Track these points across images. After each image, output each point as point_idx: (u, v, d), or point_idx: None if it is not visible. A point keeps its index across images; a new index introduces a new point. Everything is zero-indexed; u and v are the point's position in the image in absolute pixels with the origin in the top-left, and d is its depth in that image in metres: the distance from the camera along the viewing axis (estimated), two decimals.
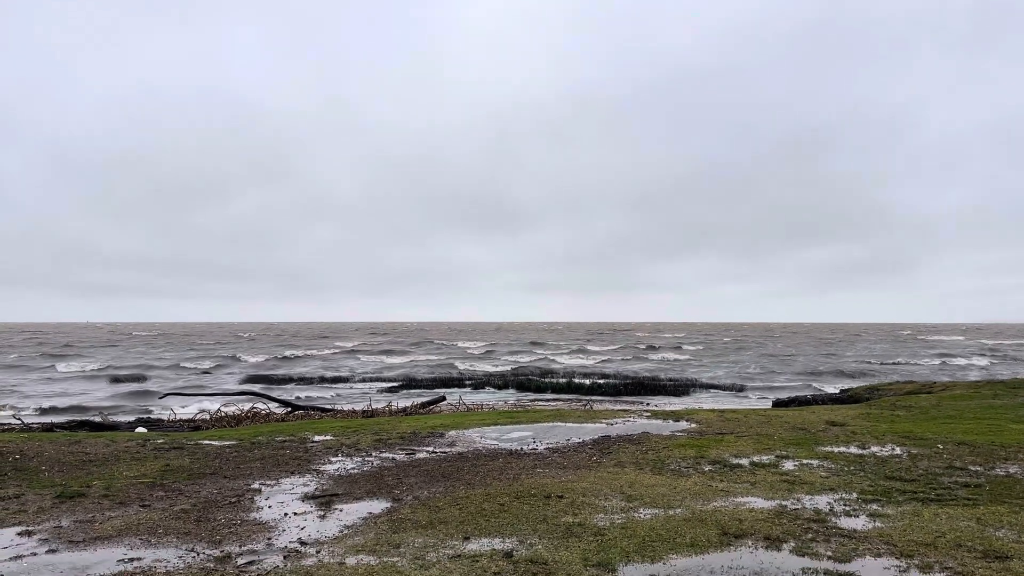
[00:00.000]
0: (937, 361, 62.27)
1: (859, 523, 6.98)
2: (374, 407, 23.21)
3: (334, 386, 41.84)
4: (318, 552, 6.25)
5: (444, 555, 6.08)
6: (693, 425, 14.18)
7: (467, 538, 6.58)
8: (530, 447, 11.83)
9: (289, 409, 23.37)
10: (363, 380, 44.63)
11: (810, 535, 6.56)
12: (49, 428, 18.41)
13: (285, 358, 66.01)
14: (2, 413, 27.14)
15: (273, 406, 23.89)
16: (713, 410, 17.97)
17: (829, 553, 6.05)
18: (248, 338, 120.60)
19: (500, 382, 40.36)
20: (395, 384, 41.23)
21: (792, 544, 6.30)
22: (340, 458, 10.94)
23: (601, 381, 39.60)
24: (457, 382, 41.09)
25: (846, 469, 9.58)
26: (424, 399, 26.11)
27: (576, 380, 40.21)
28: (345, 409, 23.84)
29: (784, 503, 7.77)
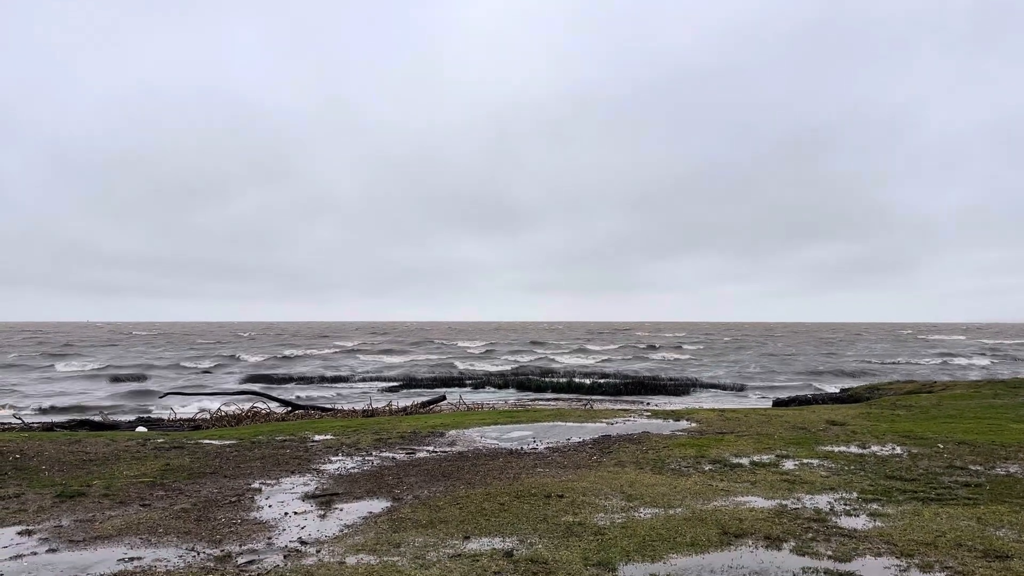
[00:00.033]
0: (937, 361, 62.27)
1: (859, 522, 6.98)
2: (374, 406, 23.21)
3: (334, 385, 41.85)
4: (318, 551, 6.25)
5: (444, 554, 6.08)
6: (693, 424, 14.18)
7: (467, 537, 6.58)
8: (530, 446, 11.83)
9: (289, 408, 23.38)
10: (363, 380, 44.64)
11: (810, 534, 6.56)
12: (49, 427, 18.41)
13: (285, 357, 66.01)
14: (2, 412, 27.14)
15: (273, 405, 23.90)
16: (713, 409, 17.96)
17: (829, 552, 6.04)
18: (248, 338, 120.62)
19: (500, 381, 40.37)
20: (395, 384, 41.24)
21: (792, 543, 6.29)
22: (340, 457, 10.94)
23: (601, 381, 39.60)
24: (457, 381, 41.10)
25: (846, 468, 9.58)
26: (424, 399, 26.11)
27: (576, 380, 40.21)
28: (345, 409, 23.84)
29: (784, 502, 7.77)
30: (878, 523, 6.93)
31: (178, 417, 21.75)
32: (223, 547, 6.39)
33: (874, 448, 11.16)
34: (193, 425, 19.60)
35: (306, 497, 8.36)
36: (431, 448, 11.73)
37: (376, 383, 42.27)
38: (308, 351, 75.71)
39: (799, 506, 7.61)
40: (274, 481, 9.28)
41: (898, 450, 10.94)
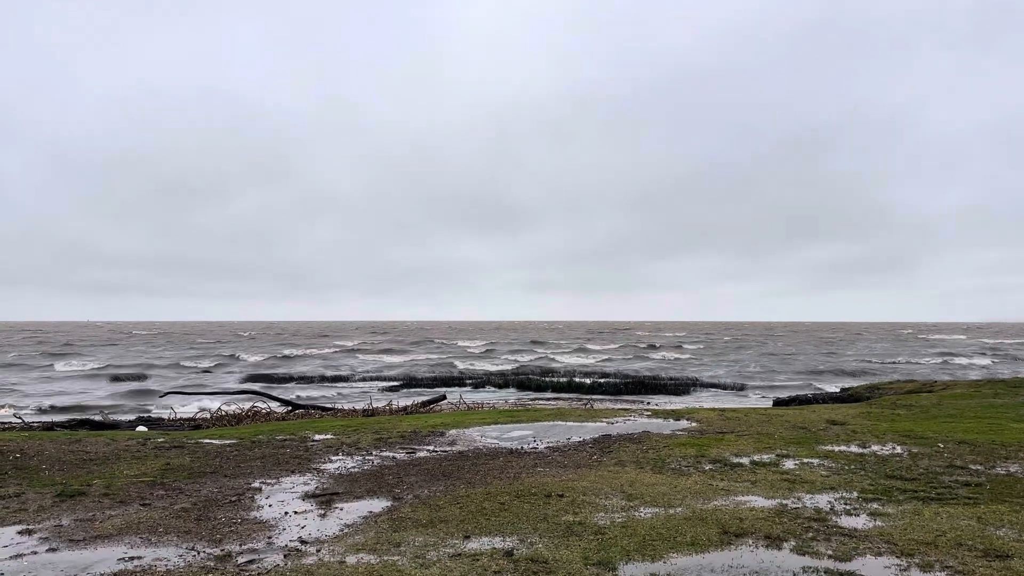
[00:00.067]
0: (938, 360, 62.26)
1: (860, 522, 6.97)
2: (375, 406, 23.21)
3: (334, 385, 41.86)
4: (318, 551, 6.24)
5: (445, 554, 6.08)
6: (694, 424, 14.17)
7: (468, 537, 6.58)
8: (530, 446, 11.83)
9: (289, 408, 23.38)
10: (363, 379, 44.64)
11: (811, 534, 6.56)
12: (49, 427, 18.42)
13: (285, 357, 66.02)
14: (2, 412, 27.14)
15: (273, 405, 23.90)
16: (714, 409, 17.96)
17: (830, 552, 6.04)
18: (248, 337, 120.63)
19: (500, 381, 40.37)
20: (395, 383, 41.25)
21: (793, 543, 6.29)
22: (341, 457, 10.94)
23: (602, 380, 39.60)
24: (457, 381, 41.10)
25: (847, 468, 9.58)
26: (424, 398, 26.11)
27: (577, 379, 40.22)
28: (345, 408, 23.85)
29: (785, 502, 7.77)
30: (878, 522, 6.93)
31: (178, 416, 21.75)
32: (223, 546, 6.39)
33: (874, 447, 11.16)
34: (193, 424, 19.60)
35: (306, 496, 8.36)
36: (431, 447, 11.73)
37: (376, 383, 42.27)
38: (308, 351, 75.72)
39: (799, 505, 7.61)
40: (274, 480, 9.28)
41: (898, 449, 10.94)
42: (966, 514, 7.16)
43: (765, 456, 10.46)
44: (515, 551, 6.10)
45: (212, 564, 5.89)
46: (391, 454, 11.13)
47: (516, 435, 13.06)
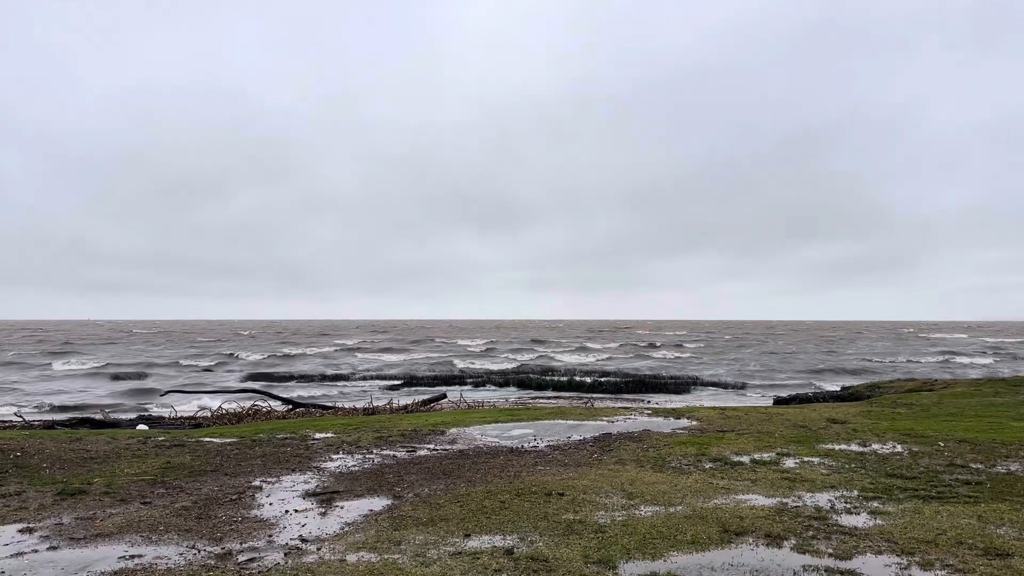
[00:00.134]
0: (939, 359, 62.26)
1: (860, 520, 6.97)
2: (375, 405, 23.22)
3: (335, 384, 41.87)
4: (319, 549, 6.25)
5: (445, 552, 6.08)
6: (694, 423, 14.17)
7: (468, 535, 6.58)
8: (531, 444, 11.83)
9: (290, 407, 23.38)
10: (364, 378, 44.65)
11: (811, 532, 6.56)
12: (50, 425, 18.43)
13: (286, 356, 66.04)
14: (3, 410, 27.16)
15: (274, 404, 23.91)
16: (714, 408, 17.96)
17: (830, 550, 6.04)
18: (248, 336, 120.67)
19: (501, 380, 40.39)
20: (396, 382, 41.27)
21: (793, 541, 6.29)
22: (341, 455, 10.94)
23: (602, 379, 39.62)
24: (458, 380, 41.11)
25: (847, 467, 9.58)
26: (425, 397, 26.11)
27: (577, 378, 40.24)
28: (346, 407, 23.86)
29: (785, 500, 7.77)
30: (879, 521, 6.93)
31: (179, 415, 21.76)
32: (224, 545, 6.39)
33: (875, 446, 11.16)
34: (194, 423, 19.61)
35: (307, 495, 8.36)
36: (432, 446, 11.73)
37: (377, 381, 42.29)
38: (308, 349, 75.74)
39: (800, 504, 7.61)
40: (275, 479, 9.29)
41: (899, 448, 10.94)
42: (966, 513, 7.16)
43: (765, 454, 10.46)
44: (515, 549, 6.10)
45: (213, 562, 5.90)
46: (392, 452, 11.13)
47: (516, 434, 13.06)
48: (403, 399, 26.04)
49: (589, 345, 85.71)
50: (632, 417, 15.33)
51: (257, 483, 9.02)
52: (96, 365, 54.24)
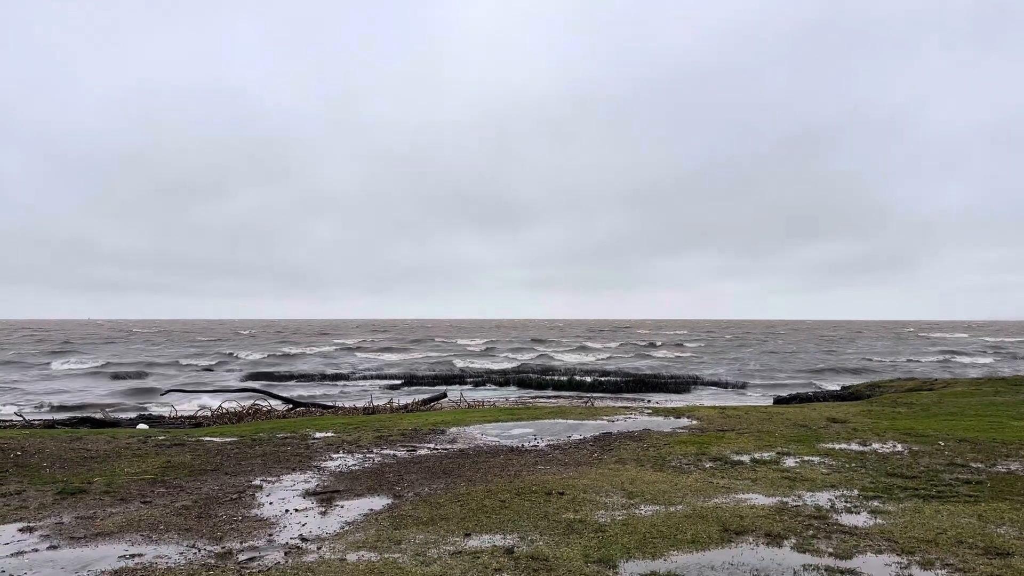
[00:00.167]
0: (939, 358, 62.26)
1: (860, 520, 6.98)
2: (375, 404, 23.23)
3: (335, 383, 41.88)
4: (319, 548, 6.25)
5: (445, 551, 6.08)
6: (694, 422, 14.18)
7: (468, 534, 6.58)
8: (531, 444, 11.83)
9: (290, 406, 23.39)
10: (364, 377, 44.65)
11: (811, 532, 6.56)
12: (50, 425, 18.43)
13: (286, 355, 66.06)
14: (3, 410, 27.18)
15: (274, 403, 23.92)
16: (714, 407, 17.96)
17: (830, 550, 6.04)
18: (248, 335, 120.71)
19: (501, 379, 40.40)
20: (396, 381, 41.28)
21: (793, 541, 6.29)
22: (341, 455, 10.94)
23: (602, 378, 39.62)
24: (458, 379, 41.12)
25: (847, 466, 9.58)
26: (425, 396, 26.13)
27: (577, 377, 40.24)
28: (346, 406, 23.86)
29: (785, 500, 7.77)
30: (879, 520, 6.93)
31: (179, 414, 21.77)
32: (224, 544, 6.40)
33: (875, 445, 11.16)
34: (194, 422, 19.62)
35: (307, 494, 8.36)
36: (432, 445, 11.74)
37: (377, 381, 42.30)
38: (309, 349, 75.76)
39: (800, 503, 7.62)
40: (275, 478, 9.29)
41: (899, 447, 10.94)
42: (967, 512, 7.16)
43: (766, 454, 10.46)
44: (516, 549, 6.10)
45: (213, 561, 5.90)
46: (392, 452, 11.14)
47: (517, 433, 13.06)
48: (403, 398, 26.05)
49: (589, 344, 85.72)
50: (632, 416, 15.33)
51: (257, 482, 9.02)
52: (96, 364, 54.25)
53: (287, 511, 7.59)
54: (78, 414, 22.41)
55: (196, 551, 6.19)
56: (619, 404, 24.60)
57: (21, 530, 6.87)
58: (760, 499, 7.82)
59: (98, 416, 20.29)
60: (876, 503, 7.59)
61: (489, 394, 34.19)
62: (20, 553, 6.18)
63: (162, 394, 29.43)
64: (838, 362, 56.99)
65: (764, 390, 36.87)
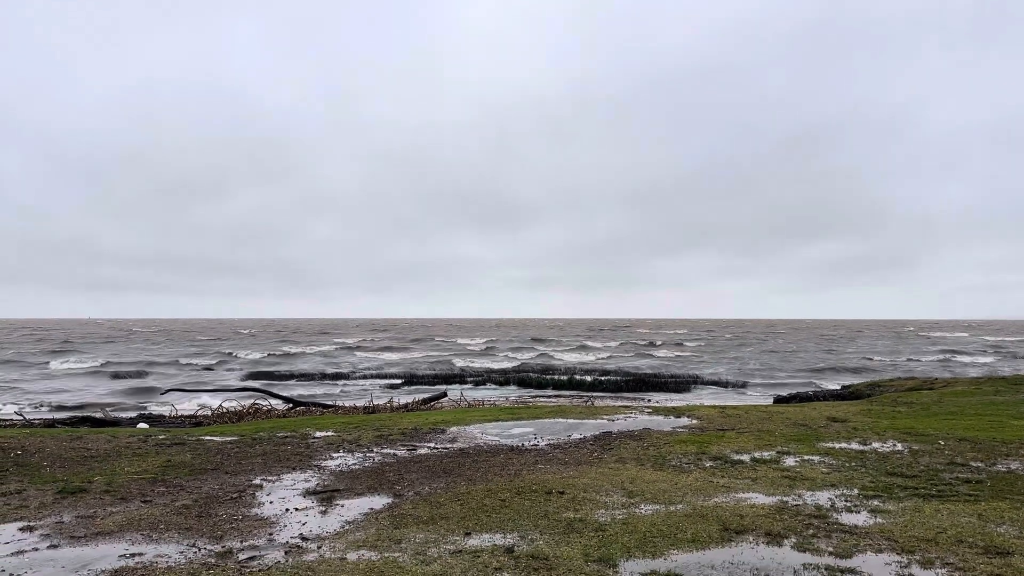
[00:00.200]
0: (939, 357, 62.24)
1: (860, 519, 6.98)
2: (375, 403, 23.23)
3: (335, 382, 41.87)
4: (319, 547, 6.25)
5: (445, 550, 6.08)
6: (694, 421, 14.18)
7: (468, 534, 6.58)
8: (531, 443, 11.83)
9: (290, 405, 23.39)
10: (364, 376, 44.64)
11: (811, 531, 6.56)
12: (50, 424, 18.43)
13: (286, 354, 66.06)
14: (3, 409, 27.18)
15: (274, 402, 23.92)
16: (714, 406, 17.97)
17: (830, 549, 6.04)
18: (248, 334, 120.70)
19: (501, 378, 40.39)
20: (396, 380, 41.26)
21: (793, 540, 6.29)
22: (341, 454, 10.95)
23: (602, 377, 39.61)
24: (458, 378, 41.11)
25: (847, 465, 9.58)
26: (425, 395, 26.13)
27: (577, 376, 40.22)
28: (346, 405, 23.86)
29: (785, 499, 7.77)
30: (879, 519, 6.93)
31: (179, 414, 21.78)
32: (224, 543, 6.40)
33: (875, 445, 11.16)
34: (194, 422, 19.63)
35: (307, 493, 8.36)
36: (432, 444, 11.74)
37: (377, 380, 42.29)
38: (309, 348, 75.75)
39: (800, 502, 7.62)
40: (275, 477, 9.29)
41: (899, 447, 10.94)
42: (967, 511, 7.16)
43: (766, 453, 10.46)
44: (516, 548, 6.11)
45: (213, 561, 5.90)
46: (392, 451, 11.14)
47: (517, 432, 13.06)
48: (403, 398, 26.06)
49: (589, 344, 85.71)
50: (632, 416, 15.34)
51: (257, 481, 9.02)
52: (96, 364, 54.23)
53: (287, 510, 7.59)
54: (78, 413, 22.42)
55: (196, 550, 6.19)
56: (619, 403, 24.60)
57: (21, 529, 6.88)
58: (760, 498, 7.82)
59: (98, 415, 20.30)
60: (876, 502, 7.59)
61: (489, 393, 34.18)
62: (20, 552, 6.19)
63: (162, 393, 29.42)
64: (838, 361, 56.98)
65: (764, 389, 36.87)
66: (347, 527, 6.92)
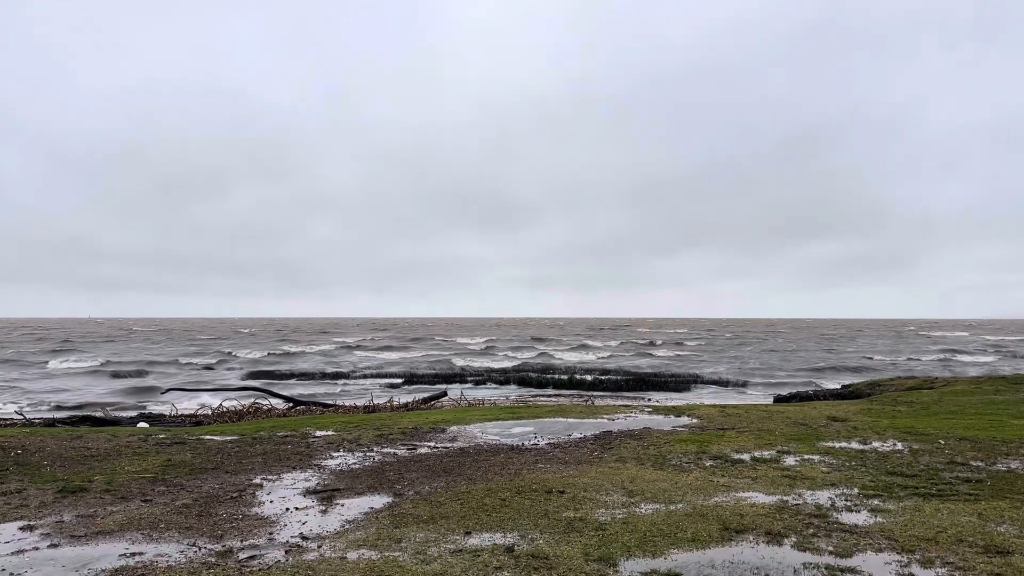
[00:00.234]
0: (939, 357, 62.23)
1: (860, 518, 6.98)
2: (375, 403, 23.23)
3: (335, 382, 41.87)
4: (319, 547, 6.25)
5: (445, 550, 6.09)
6: (694, 420, 14.18)
7: (468, 533, 6.59)
8: (531, 442, 11.83)
9: (291, 404, 23.40)
10: (364, 376, 44.63)
11: (811, 530, 6.56)
12: (51, 423, 18.43)
13: (286, 353, 66.05)
14: (3, 408, 27.18)
15: (275, 401, 23.92)
16: (714, 405, 17.97)
17: (830, 548, 6.04)
18: (248, 334, 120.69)
19: (501, 378, 40.39)
20: (396, 380, 41.26)
21: (793, 539, 6.29)
22: (341, 453, 10.95)
23: (603, 377, 39.61)
24: (458, 378, 41.11)
25: (847, 464, 9.58)
26: (425, 395, 26.13)
27: (577, 376, 40.21)
28: (347, 404, 23.87)
29: (785, 498, 7.77)
30: (879, 519, 6.93)
31: (179, 413, 21.78)
32: (224, 542, 6.40)
33: (875, 444, 11.16)
34: (194, 421, 19.63)
35: (307, 493, 8.36)
36: (432, 444, 11.74)
37: (377, 379, 42.28)
38: (309, 347, 75.73)
39: (800, 502, 7.62)
40: (275, 477, 9.29)
41: (899, 446, 10.94)
42: (967, 510, 7.16)
43: (766, 452, 10.46)
44: (516, 547, 6.11)
45: (213, 560, 5.90)
46: (392, 450, 11.14)
47: (517, 431, 13.07)
48: (404, 397, 26.06)
49: (589, 343, 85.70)
50: (633, 415, 15.34)
51: (258, 481, 9.03)
52: (96, 363, 54.22)
53: (287, 509, 7.59)
54: (78, 412, 22.42)
55: (197, 549, 6.19)
56: (619, 403, 24.62)
57: (22, 528, 6.88)
58: (760, 497, 7.82)
59: (98, 414, 20.30)
60: (876, 501, 7.59)
61: (489, 392, 34.18)
62: (21, 551, 6.19)
63: (162, 392, 29.43)
64: (838, 361, 56.97)
65: (764, 388, 36.87)
66: (347, 526, 6.93)
